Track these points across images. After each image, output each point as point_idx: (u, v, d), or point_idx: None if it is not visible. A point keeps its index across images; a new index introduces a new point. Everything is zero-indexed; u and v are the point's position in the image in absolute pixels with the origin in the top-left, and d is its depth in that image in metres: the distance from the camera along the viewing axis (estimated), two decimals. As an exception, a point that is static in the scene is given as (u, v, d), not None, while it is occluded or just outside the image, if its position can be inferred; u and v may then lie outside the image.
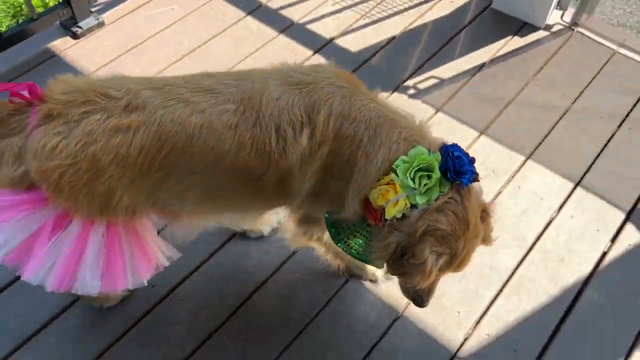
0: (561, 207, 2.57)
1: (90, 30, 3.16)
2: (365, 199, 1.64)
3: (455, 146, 1.60)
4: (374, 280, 2.29)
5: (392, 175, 1.56)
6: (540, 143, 2.79)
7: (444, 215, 1.56)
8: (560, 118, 2.90)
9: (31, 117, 1.59)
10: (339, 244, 1.80)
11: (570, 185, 2.64)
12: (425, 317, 2.22)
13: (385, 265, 1.71)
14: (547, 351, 2.17)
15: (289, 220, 1.99)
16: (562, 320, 2.26)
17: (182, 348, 2.14)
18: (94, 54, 3.06)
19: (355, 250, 1.79)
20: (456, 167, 1.55)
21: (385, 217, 1.59)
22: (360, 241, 1.78)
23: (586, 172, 2.70)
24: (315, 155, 1.62)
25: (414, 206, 1.56)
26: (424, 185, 1.54)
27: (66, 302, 2.22)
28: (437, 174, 1.54)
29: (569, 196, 2.61)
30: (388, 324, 2.21)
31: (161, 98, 1.61)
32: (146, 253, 1.83)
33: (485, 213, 1.72)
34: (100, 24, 3.19)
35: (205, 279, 2.32)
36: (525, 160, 2.72)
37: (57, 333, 2.16)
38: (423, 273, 1.59)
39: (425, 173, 1.54)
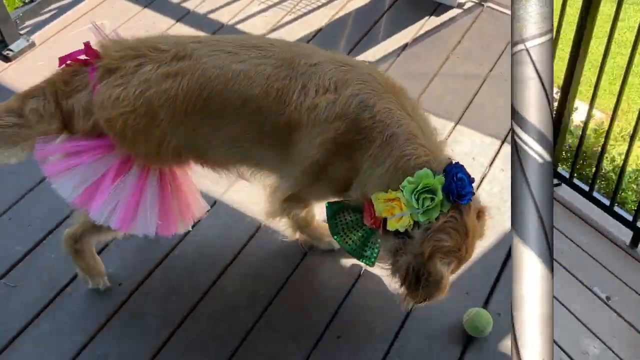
0: (492, 162, 2.81)
1: (22, 51, 3.20)
2: (368, 199, 1.77)
3: (458, 167, 1.71)
4: (330, 249, 2.44)
5: (399, 193, 1.69)
6: (466, 109, 3.03)
7: (447, 234, 1.70)
8: (481, 85, 3.16)
9: (91, 75, 1.80)
10: (335, 237, 1.97)
11: (498, 142, 2.89)
12: (382, 276, 2.40)
13: (405, 293, 1.84)
14: (495, 291, 2.38)
15: (272, 195, 2.11)
16: (505, 262, 2.48)
17: (158, 336, 2.22)
18: (29, 74, 3.04)
19: (349, 245, 1.95)
20: (458, 190, 1.67)
21: (387, 228, 1.74)
22: (355, 237, 1.94)
23: (509, 130, 2.95)
24: (330, 124, 1.73)
25: (416, 223, 1.71)
26: (427, 206, 1.67)
27: (37, 310, 2.26)
28: (439, 197, 1.67)
29: (497, 153, 2.85)
30: (349, 286, 2.36)
31: (207, 49, 1.79)
32: (191, 199, 2.07)
33: (481, 213, 1.87)
34: (31, 45, 3.23)
35: (170, 270, 2.41)
36: (455, 126, 2.95)
37: (31, 341, 2.19)
38: (441, 285, 1.75)
39: (429, 195, 1.67)
